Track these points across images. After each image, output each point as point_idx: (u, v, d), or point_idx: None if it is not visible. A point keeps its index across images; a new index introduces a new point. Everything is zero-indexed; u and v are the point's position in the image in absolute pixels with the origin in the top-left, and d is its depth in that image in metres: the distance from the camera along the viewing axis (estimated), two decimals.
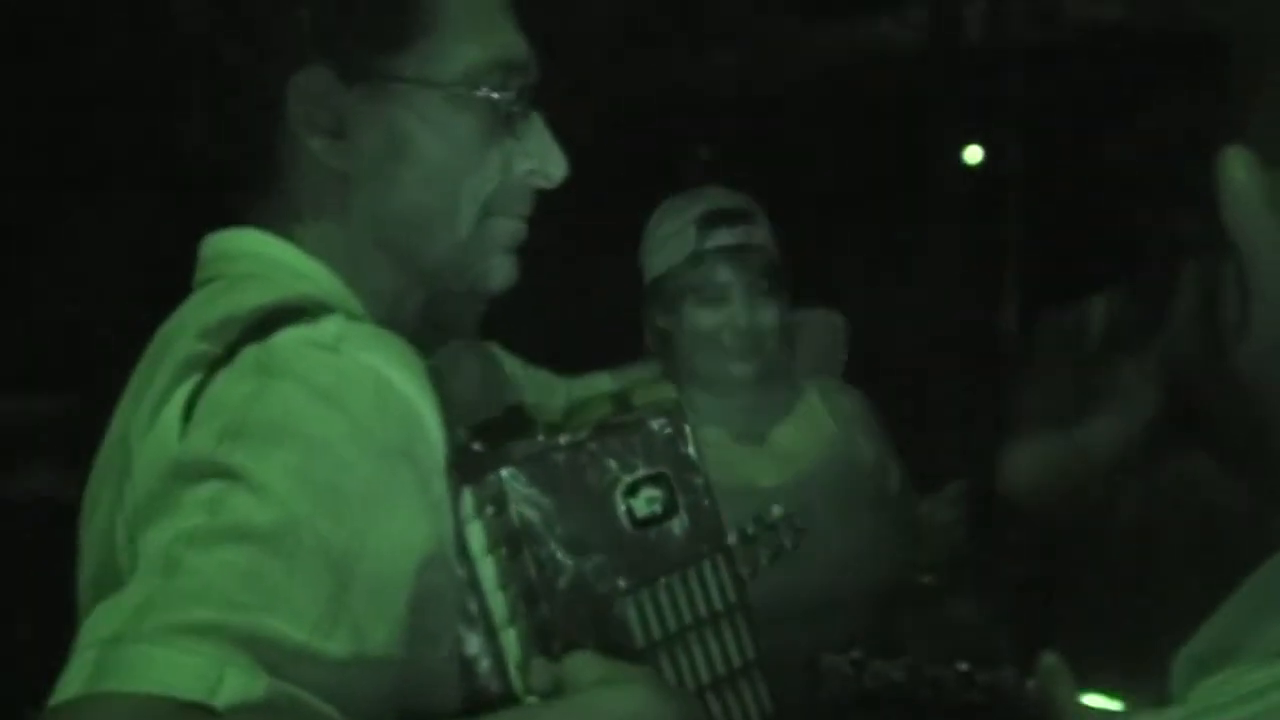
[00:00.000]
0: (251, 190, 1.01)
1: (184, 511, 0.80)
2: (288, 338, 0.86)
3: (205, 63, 0.97)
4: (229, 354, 0.87)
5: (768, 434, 2.07)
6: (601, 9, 4.99)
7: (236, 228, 1.01)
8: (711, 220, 2.01)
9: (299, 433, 0.82)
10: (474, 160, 1.02)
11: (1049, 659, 1.08)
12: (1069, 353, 2.33)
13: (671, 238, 2.03)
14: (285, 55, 0.95)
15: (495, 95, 1.01)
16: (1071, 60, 5.15)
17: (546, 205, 1.10)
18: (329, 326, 0.87)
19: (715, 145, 5.78)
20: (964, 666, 1.23)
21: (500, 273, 1.07)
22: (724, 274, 1.99)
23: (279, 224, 1.01)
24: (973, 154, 5.64)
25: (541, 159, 1.05)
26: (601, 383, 2.05)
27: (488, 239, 1.04)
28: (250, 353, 0.86)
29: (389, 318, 1.01)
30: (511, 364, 2.03)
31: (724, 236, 2.00)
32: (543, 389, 2.03)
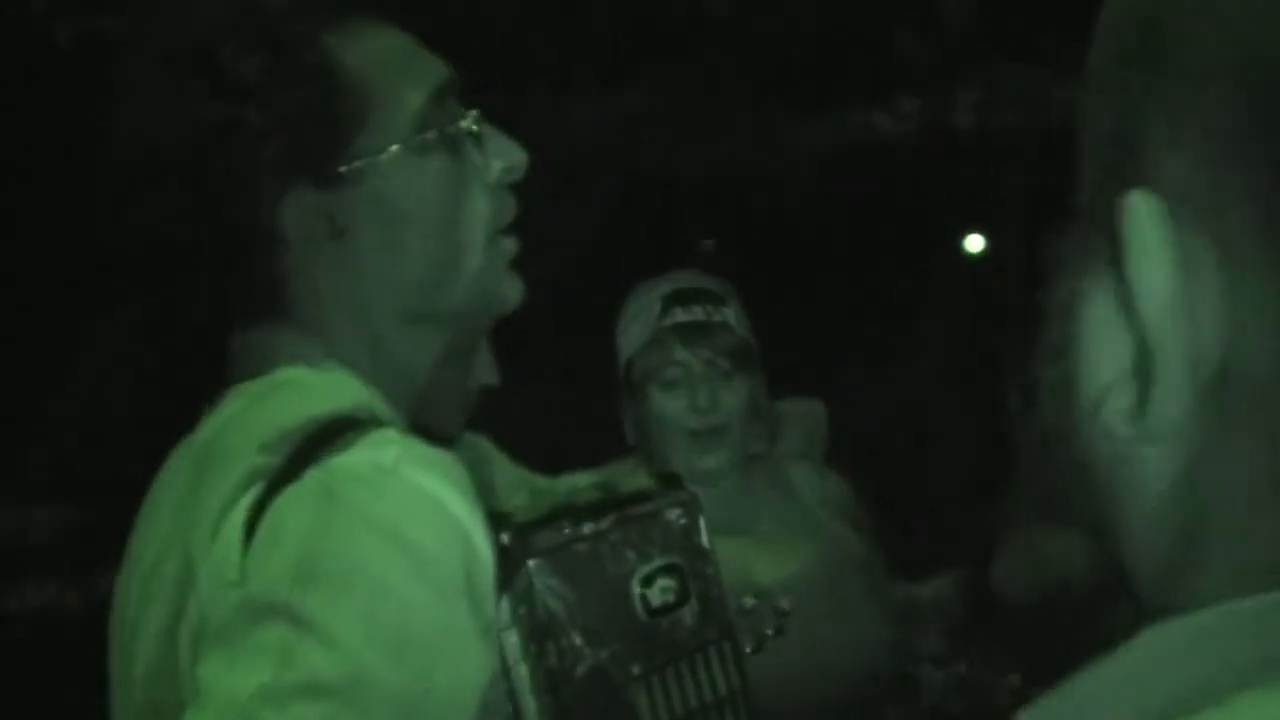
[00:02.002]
0: (256, 302, 1.05)
1: (256, 657, 0.83)
2: (350, 462, 0.90)
3: (197, 211, 1.01)
4: (289, 467, 0.90)
5: (755, 526, 1.98)
6: (595, 101, 5.07)
7: (264, 325, 1.04)
8: (673, 299, 1.96)
9: (366, 577, 0.85)
10: (459, 194, 1.06)
11: None
12: None
13: (635, 320, 1.99)
14: (266, 189, 1.00)
15: (450, 127, 1.06)
16: (1067, 146, 5.21)
17: (544, 292, 1.13)
18: (389, 450, 0.90)
19: (711, 236, 5.84)
20: None
21: (513, 290, 1.11)
22: (680, 353, 1.93)
23: (294, 325, 1.04)
24: (974, 243, 5.70)
25: (503, 156, 1.09)
26: (580, 482, 1.98)
27: (495, 258, 1.09)
28: (314, 477, 0.89)
29: (406, 399, 1.04)
30: (498, 460, 1.99)
31: (682, 314, 1.95)
32: (519, 487, 1.96)
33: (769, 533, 1.98)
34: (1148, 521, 0.54)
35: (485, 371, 1.66)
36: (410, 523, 0.88)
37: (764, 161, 5.64)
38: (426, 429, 1.06)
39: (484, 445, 1.72)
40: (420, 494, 0.89)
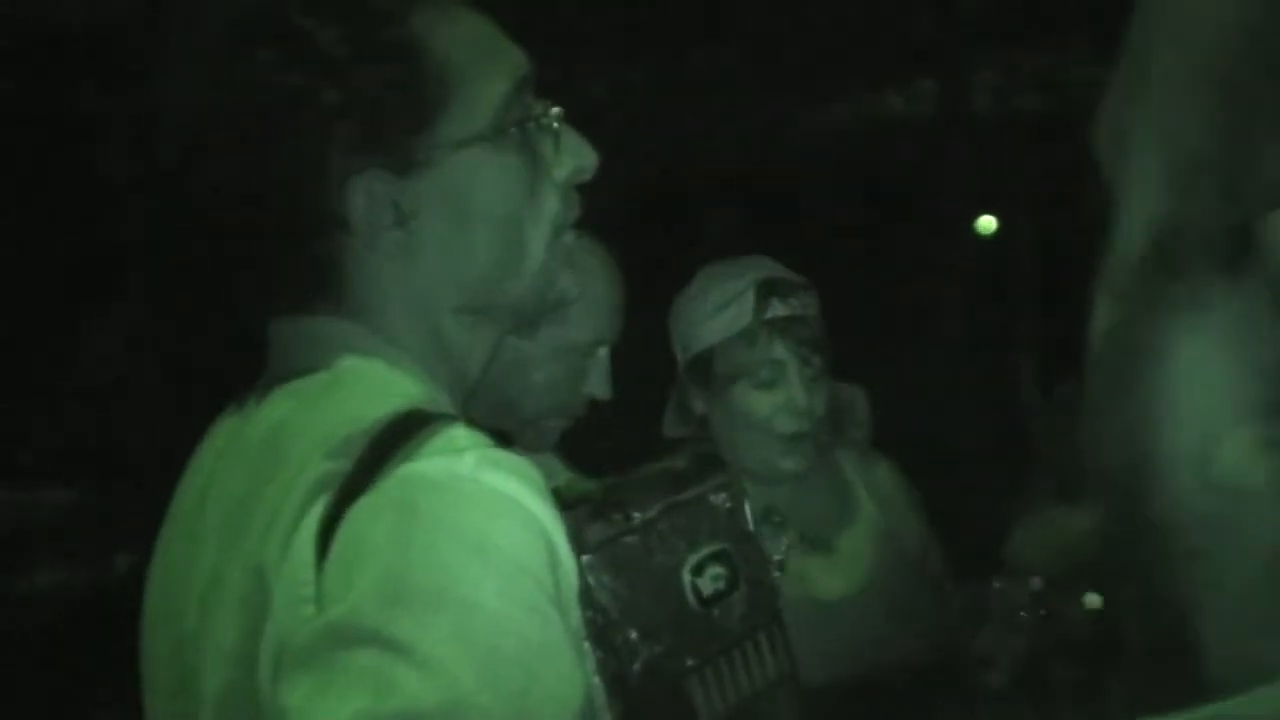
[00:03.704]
0: (312, 289, 1.00)
1: (349, 685, 0.80)
2: (426, 469, 0.86)
3: (260, 190, 0.96)
4: (360, 475, 0.86)
5: (813, 526, 1.88)
6: (609, 81, 5.05)
7: (316, 313, 1.01)
8: (771, 289, 1.82)
9: (456, 596, 0.82)
10: (530, 191, 1.02)
11: None
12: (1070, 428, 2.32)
13: (723, 309, 1.83)
14: (335, 170, 0.95)
15: (532, 123, 1.02)
16: (1080, 129, 5.20)
17: None
18: (466, 457, 0.87)
19: (727, 218, 5.82)
20: None
21: (570, 286, 1.08)
22: (779, 351, 1.80)
23: (350, 316, 1.01)
24: (986, 223, 5.69)
25: (575, 157, 1.06)
26: None
27: (557, 256, 1.05)
28: (390, 487, 0.85)
29: (463, 391, 1.02)
30: (553, 462, 1.83)
31: (781, 307, 1.81)
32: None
33: (833, 541, 1.90)
34: (1251, 580, 0.51)
35: (599, 385, 1.63)
36: (496, 533, 0.84)
37: (778, 142, 5.62)
38: (522, 438, 1.03)
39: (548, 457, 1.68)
40: (503, 501, 0.86)
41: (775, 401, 1.81)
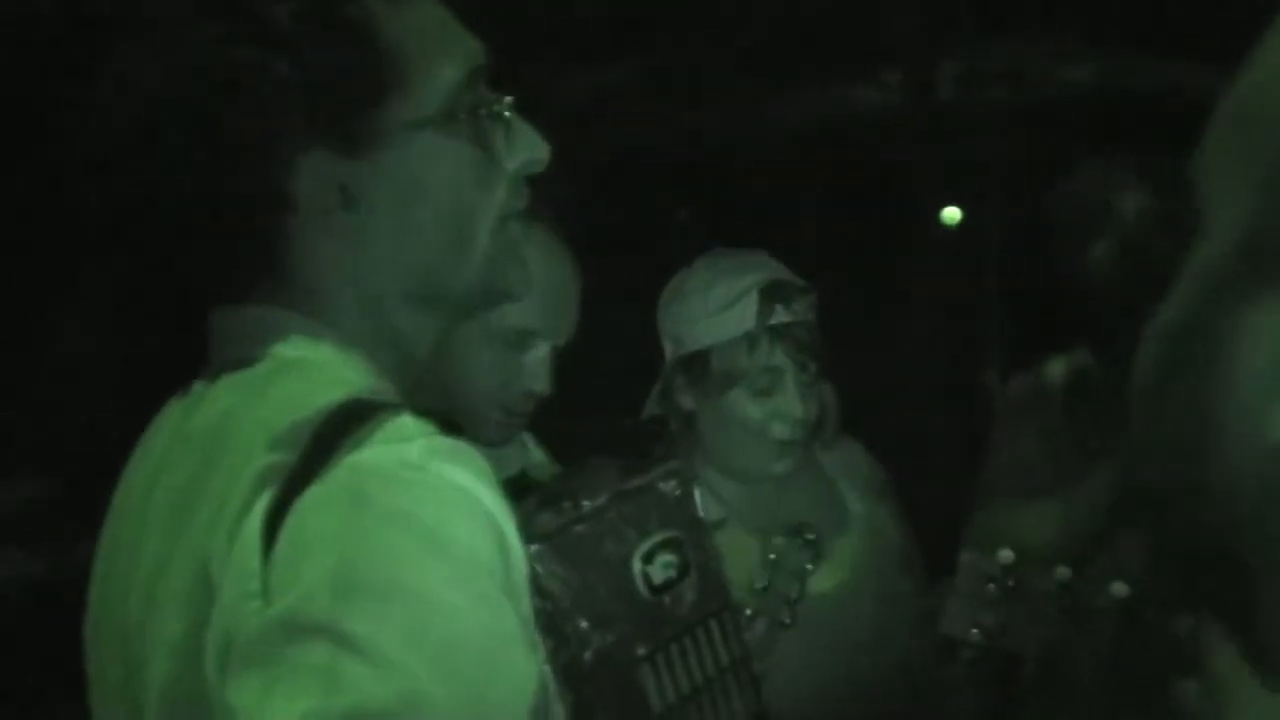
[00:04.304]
0: (255, 272, 0.99)
1: (298, 680, 0.79)
2: (374, 459, 0.85)
3: (203, 167, 0.95)
4: (307, 465, 0.85)
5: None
6: (578, 74, 5.04)
7: (260, 299, 1.00)
8: (775, 293, 1.78)
9: (407, 588, 0.81)
10: (480, 179, 1.02)
11: None
12: (1030, 418, 2.33)
13: (725, 310, 1.78)
14: (282, 148, 0.95)
15: (484, 111, 1.01)
16: (1045, 121, 5.22)
17: None
18: (414, 445, 0.86)
19: (691, 209, 5.82)
20: None
21: (521, 279, 1.07)
22: (780, 358, 1.77)
23: (294, 302, 1.00)
24: (950, 214, 5.70)
25: (527, 148, 1.05)
26: None
27: (504, 245, 1.05)
28: (338, 477, 0.84)
29: (410, 379, 1.01)
30: (534, 450, 1.82)
31: (784, 313, 1.77)
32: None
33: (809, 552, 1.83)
34: None
35: (536, 379, 1.53)
36: (447, 523, 0.83)
37: (744, 132, 5.62)
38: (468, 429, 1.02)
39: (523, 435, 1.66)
40: (453, 490, 0.85)
41: (771, 408, 1.79)
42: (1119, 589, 1.45)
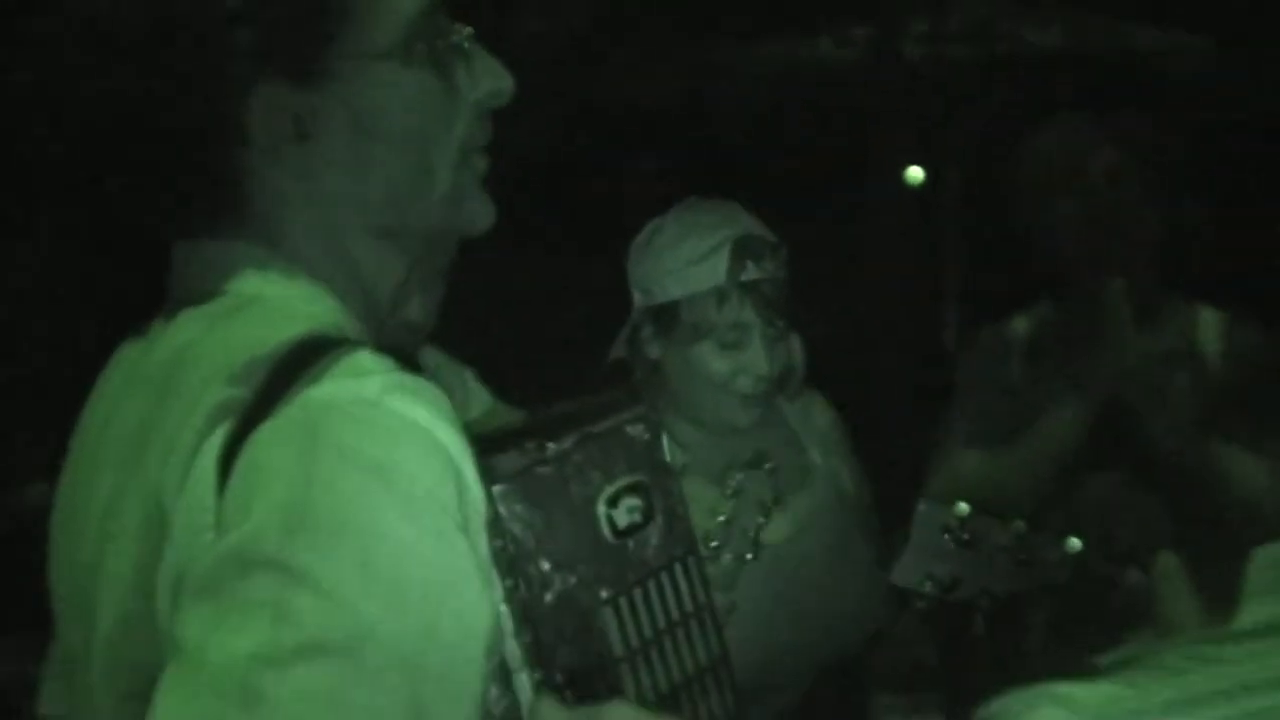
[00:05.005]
0: (211, 207, 0.97)
1: (248, 614, 0.78)
2: (330, 394, 0.84)
3: (155, 99, 0.93)
4: (263, 400, 0.84)
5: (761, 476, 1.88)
6: (546, 26, 5.00)
7: (220, 235, 0.99)
8: (746, 249, 1.78)
9: (360, 523, 0.80)
10: (438, 112, 1.00)
11: (1167, 558, 1.12)
12: (993, 370, 2.36)
13: (696, 264, 1.79)
14: (233, 79, 0.92)
15: (442, 42, 0.99)
16: (1011, 80, 5.23)
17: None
18: (371, 381, 0.85)
19: (658, 162, 5.80)
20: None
21: (483, 213, 1.06)
22: (748, 313, 1.78)
23: (253, 237, 0.99)
24: (914, 174, 5.71)
25: (490, 81, 1.03)
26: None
27: (465, 180, 1.03)
28: (293, 413, 0.83)
29: (373, 316, 1.00)
30: (477, 389, 1.88)
31: (755, 270, 1.78)
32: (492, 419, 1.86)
33: (770, 483, 1.88)
34: None
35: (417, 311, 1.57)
36: (401, 457, 0.83)
37: (709, 86, 5.60)
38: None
39: (461, 371, 1.66)
40: (409, 426, 0.84)
41: (737, 362, 1.80)
42: (1073, 544, 1.47)
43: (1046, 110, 2.38)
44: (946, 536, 1.50)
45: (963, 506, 1.51)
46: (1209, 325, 2.22)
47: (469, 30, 1.02)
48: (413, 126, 0.99)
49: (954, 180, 5.72)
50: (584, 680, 0.92)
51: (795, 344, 1.92)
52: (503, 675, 0.89)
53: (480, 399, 1.66)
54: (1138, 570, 1.28)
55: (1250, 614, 0.61)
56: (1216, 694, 0.54)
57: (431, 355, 1.19)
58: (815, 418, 2.00)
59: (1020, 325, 2.37)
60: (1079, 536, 1.48)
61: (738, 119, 5.62)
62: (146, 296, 1.02)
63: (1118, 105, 2.33)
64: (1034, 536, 1.49)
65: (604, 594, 0.96)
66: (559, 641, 0.92)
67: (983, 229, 5.38)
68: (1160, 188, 2.19)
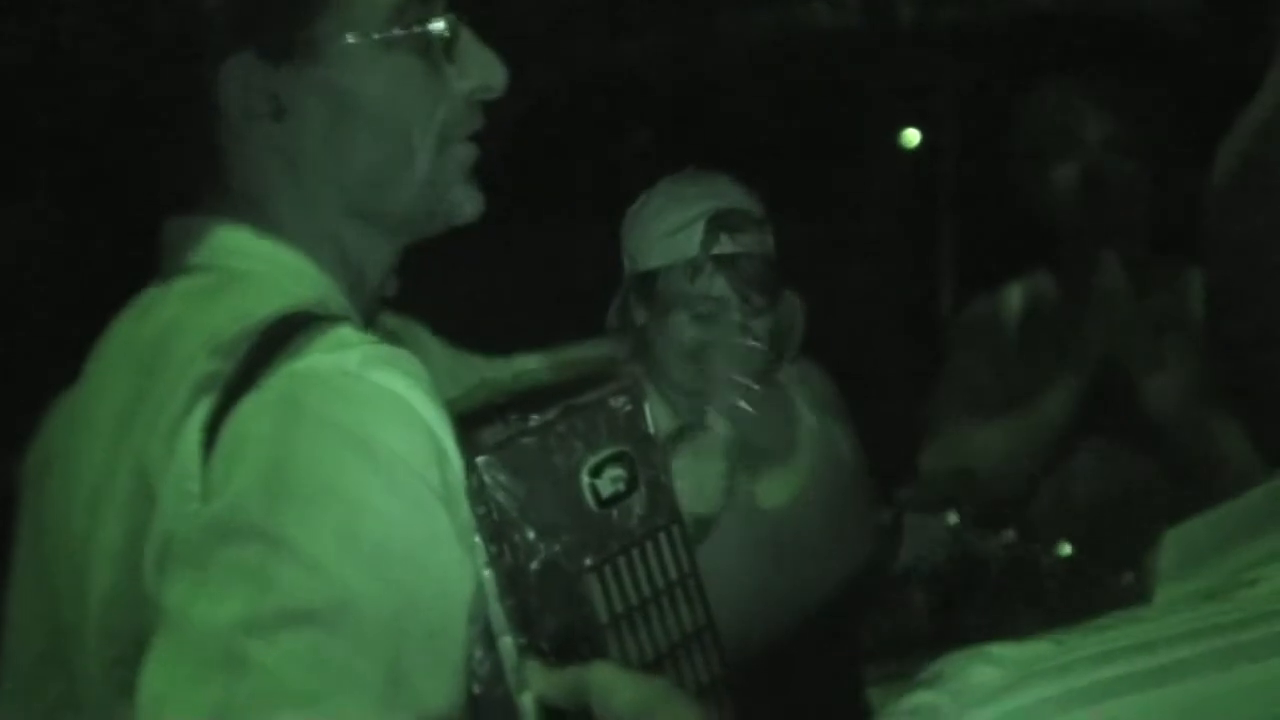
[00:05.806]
0: (194, 180, 0.99)
1: (230, 582, 0.80)
2: (311, 366, 0.85)
3: (132, 63, 0.94)
4: (246, 373, 0.86)
5: (751, 437, 1.84)
6: None
7: (201, 216, 1.00)
8: (721, 223, 1.80)
9: (340, 493, 0.82)
10: (420, 98, 1.00)
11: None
12: (988, 339, 2.36)
13: (672, 235, 1.82)
14: (206, 47, 0.93)
15: (427, 27, 0.99)
16: (1006, 43, 5.22)
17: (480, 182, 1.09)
18: (351, 353, 0.86)
19: (650, 128, 5.79)
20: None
21: (469, 201, 1.06)
22: (721, 287, 1.79)
23: (240, 213, 0.99)
24: (910, 136, 5.70)
25: (481, 73, 1.04)
26: (531, 364, 1.83)
27: (448, 169, 1.03)
28: (275, 384, 0.85)
29: (361, 292, 1.01)
30: (433, 346, 1.89)
31: (729, 244, 1.80)
32: (462, 373, 1.87)
33: (764, 447, 1.90)
34: None
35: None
36: (381, 429, 0.84)
37: (702, 51, 5.58)
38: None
39: (416, 330, 1.67)
40: (388, 397, 0.85)
41: (709, 335, 1.81)
42: (1064, 549, 1.48)
43: (1044, 74, 2.37)
44: (939, 549, 1.53)
45: (952, 517, 1.52)
46: (1200, 288, 2.22)
47: (452, 17, 1.02)
48: (392, 111, 0.99)
49: (949, 144, 5.71)
50: (569, 646, 0.94)
51: (793, 305, 1.93)
52: (486, 639, 0.91)
53: (435, 350, 1.69)
54: (1131, 573, 1.29)
55: (1164, 594, 0.65)
56: (1139, 646, 0.58)
57: (388, 319, 1.20)
58: (811, 384, 2.02)
59: (1015, 293, 2.37)
60: (1070, 542, 1.50)
61: (730, 84, 5.61)
62: (140, 272, 1.03)
63: (1116, 69, 2.32)
64: (1025, 545, 1.50)
65: (588, 561, 0.97)
66: (544, 607, 0.93)
67: (978, 195, 5.38)
68: (1155, 152, 2.19)
